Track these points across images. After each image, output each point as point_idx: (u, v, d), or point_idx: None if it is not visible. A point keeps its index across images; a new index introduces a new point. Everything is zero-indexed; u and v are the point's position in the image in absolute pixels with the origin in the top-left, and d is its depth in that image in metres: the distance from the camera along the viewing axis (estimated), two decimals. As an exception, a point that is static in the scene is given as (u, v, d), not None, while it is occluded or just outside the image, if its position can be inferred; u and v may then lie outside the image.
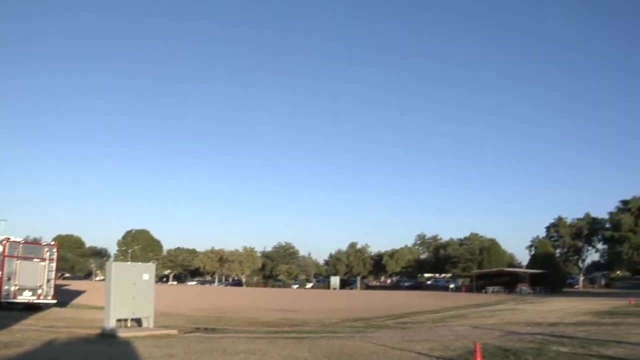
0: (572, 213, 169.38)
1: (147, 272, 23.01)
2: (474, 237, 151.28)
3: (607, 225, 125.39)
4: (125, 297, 21.50)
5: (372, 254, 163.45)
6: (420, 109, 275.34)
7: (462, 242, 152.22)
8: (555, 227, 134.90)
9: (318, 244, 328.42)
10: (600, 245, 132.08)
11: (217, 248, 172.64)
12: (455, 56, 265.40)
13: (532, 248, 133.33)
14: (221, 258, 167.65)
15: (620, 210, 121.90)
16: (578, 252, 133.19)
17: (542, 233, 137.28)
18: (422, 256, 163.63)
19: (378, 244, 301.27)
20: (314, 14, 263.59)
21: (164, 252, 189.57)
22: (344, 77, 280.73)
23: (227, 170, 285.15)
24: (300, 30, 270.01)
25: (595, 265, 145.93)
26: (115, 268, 22.29)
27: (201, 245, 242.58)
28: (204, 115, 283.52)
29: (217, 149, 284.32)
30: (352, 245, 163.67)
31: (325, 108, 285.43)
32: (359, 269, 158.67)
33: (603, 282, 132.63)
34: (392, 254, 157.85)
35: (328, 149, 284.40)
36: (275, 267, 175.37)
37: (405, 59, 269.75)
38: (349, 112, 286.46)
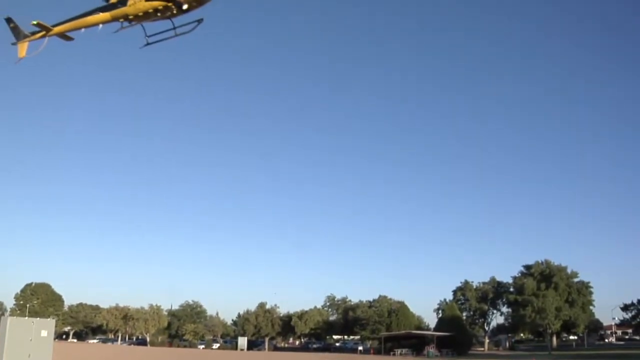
0: (478, 277, 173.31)
1: (45, 328, 21.67)
2: (383, 299, 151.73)
3: (511, 289, 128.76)
4: (20, 354, 20.03)
5: (281, 314, 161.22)
6: (328, 170, 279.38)
7: (371, 304, 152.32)
8: (462, 290, 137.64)
9: (226, 304, 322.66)
10: (504, 309, 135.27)
11: (121, 305, 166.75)
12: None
13: (440, 311, 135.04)
14: (126, 315, 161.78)
15: (524, 274, 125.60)
16: (484, 315, 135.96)
17: (450, 296, 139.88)
18: (332, 318, 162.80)
19: (287, 304, 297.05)
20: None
21: (65, 308, 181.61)
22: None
23: (133, 224, 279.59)
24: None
25: (500, 328, 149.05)
26: (11, 323, 20.86)
27: (105, 301, 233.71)
28: (105, 165, 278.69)
29: (123, 201, 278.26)
30: (261, 306, 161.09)
31: (234, 163, 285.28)
32: (268, 329, 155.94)
33: (507, 344, 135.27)
34: (301, 315, 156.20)
35: (239, 205, 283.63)
36: (182, 326, 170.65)
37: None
38: (258, 168, 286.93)
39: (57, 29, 44.72)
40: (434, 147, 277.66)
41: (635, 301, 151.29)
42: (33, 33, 45.60)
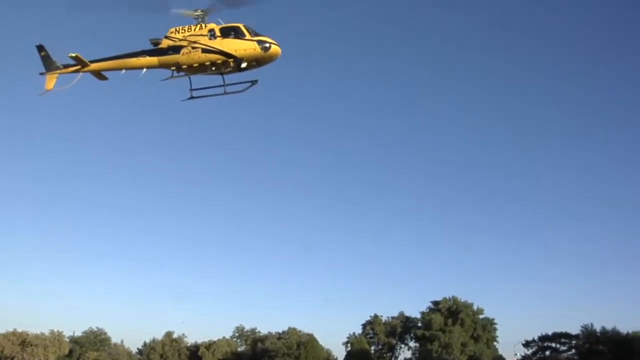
0: (388, 311, 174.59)
1: None
2: (292, 331, 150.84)
3: (419, 324, 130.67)
4: None
5: (189, 344, 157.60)
6: (237, 197, 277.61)
7: (280, 336, 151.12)
8: (371, 324, 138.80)
9: (133, 331, 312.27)
10: (412, 343, 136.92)
11: (19, 330, 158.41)
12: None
13: (349, 344, 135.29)
14: (23, 341, 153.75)
15: (431, 310, 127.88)
16: (392, 349, 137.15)
17: (359, 330, 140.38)
18: (240, 349, 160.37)
19: (196, 334, 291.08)
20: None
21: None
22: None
23: (37, 245, 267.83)
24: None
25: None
26: None
27: (1, 326, 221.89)
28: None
29: (25, 222, 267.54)
30: (169, 335, 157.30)
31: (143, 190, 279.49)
32: (174, 359, 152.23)
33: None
34: (209, 345, 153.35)
35: (146, 230, 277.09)
36: (84, 354, 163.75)
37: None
38: (171, 195, 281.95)
39: (95, 66, 40.97)
40: (346, 185, 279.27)
41: (536, 338, 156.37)
42: (66, 66, 41.64)
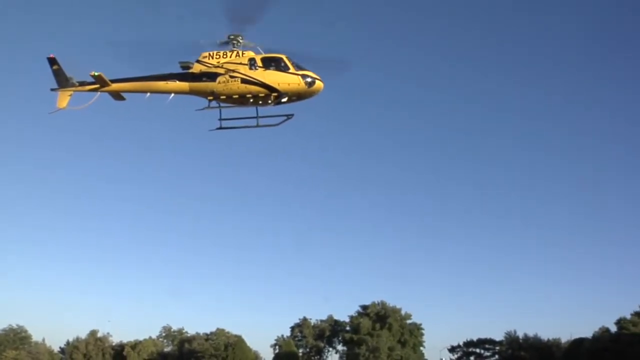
0: (317, 314, 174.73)
1: None
2: (220, 332, 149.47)
3: (348, 328, 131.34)
4: None
5: (114, 343, 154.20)
6: (168, 195, 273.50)
7: (208, 337, 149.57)
8: (300, 327, 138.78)
9: (55, 329, 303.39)
10: (340, 347, 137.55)
11: None
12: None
13: (277, 347, 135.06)
14: None
15: (360, 314, 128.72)
16: (320, 352, 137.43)
17: (287, 332, 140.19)
18: (167, 349, 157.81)
19: (121, 333, 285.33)
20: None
21: None
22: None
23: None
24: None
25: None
26: None
27: None
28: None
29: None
30: (93, 333, 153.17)
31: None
32: (98, 359, 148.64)
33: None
34: (135, 345, 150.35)
35: (73, 226, 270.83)
36: (2, 353, 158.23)
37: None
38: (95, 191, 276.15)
39: (116, 86, 37.92)
40: (276, 184, 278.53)
41: (461, 343, 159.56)
42: (82, 83, 38.25)
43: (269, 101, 35.35)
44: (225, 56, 36.41)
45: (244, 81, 35.25)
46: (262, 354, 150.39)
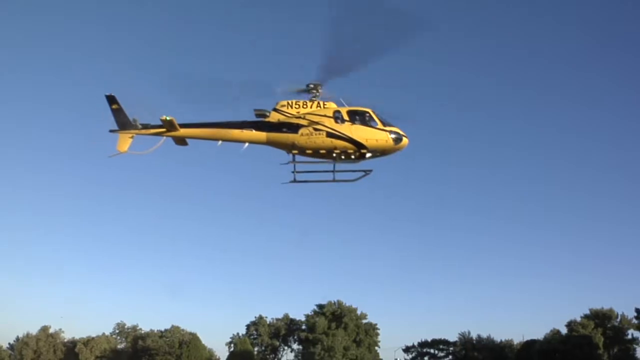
0: (272, 313, 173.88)
1: None
2: (175, 329, 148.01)
3: (303, 327, 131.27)
4: None
5: (66, 340, 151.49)
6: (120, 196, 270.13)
7: (162, 334, 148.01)
8: (256, 325, 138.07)
9: (4, 325, 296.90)
10: (295, 346, 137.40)
11: None
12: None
13: (232, 345, 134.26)
14: None
15: (316, 313, 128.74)
16: (275, 351, 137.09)
17: (243, 330, 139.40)
18: (120, 346, 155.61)
19: (74, 329, 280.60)
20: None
21: None
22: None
23: None
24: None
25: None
26: None
27: None
28: None
29: None
30: (44, 329, 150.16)
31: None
32: (49, 356, 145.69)
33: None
34: (88, 341, 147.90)
35: (30, 220, 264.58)
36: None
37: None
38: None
39: (185, 132, 35.22)
40: (232, 182, 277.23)
41: (416, 343, 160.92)
42: (145, 126, 35.53)
43: (352, 157, 33.53)
44: (305, 106, 34.22)
45: (329, 135, 33.15)
46: (217, 352, 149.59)
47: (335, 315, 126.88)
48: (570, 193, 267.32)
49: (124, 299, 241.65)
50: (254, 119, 34.52)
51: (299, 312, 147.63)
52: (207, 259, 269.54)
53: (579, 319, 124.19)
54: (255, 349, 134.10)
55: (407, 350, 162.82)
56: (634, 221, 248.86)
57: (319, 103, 34.19)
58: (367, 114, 33.44)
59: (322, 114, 33.50)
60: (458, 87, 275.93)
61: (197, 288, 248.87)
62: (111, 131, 35.41)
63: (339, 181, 34.16)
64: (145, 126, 35.25)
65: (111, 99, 34.92)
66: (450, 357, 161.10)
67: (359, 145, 32.69)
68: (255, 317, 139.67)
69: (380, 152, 33.34)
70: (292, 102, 34.23)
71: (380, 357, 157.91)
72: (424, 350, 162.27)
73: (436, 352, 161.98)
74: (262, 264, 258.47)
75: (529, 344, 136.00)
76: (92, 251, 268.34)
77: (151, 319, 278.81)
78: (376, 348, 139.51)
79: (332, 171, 33.96)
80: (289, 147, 33.77)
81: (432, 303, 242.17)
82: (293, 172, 33.99)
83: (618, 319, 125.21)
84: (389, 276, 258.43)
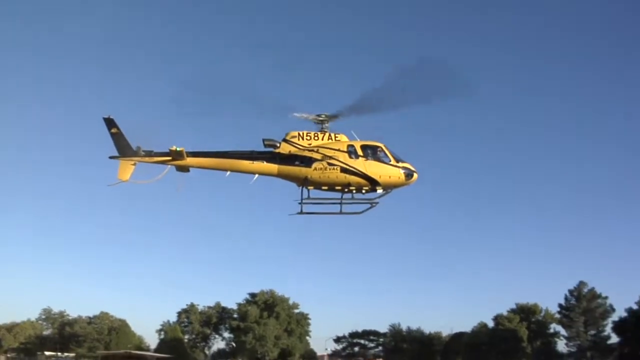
0: (204, 301, 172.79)
1: None
2: (104, 315, 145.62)
3: (235, 316, 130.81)
4: None
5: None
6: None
7: (90, 321, 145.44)
8: (187, 313, 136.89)
9: None
10: (227, 334, 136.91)
11: None
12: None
13: (162, 332, 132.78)
14: None
15: (248, 302, 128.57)
16: (206, 339, 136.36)
17: (174, 318, 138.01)
18: (46, 332, 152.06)
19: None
20: None
21: None
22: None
23: None
24: None
25: (220, 353, 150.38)
26: None
27: None
28: None
29: None
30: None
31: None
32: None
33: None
34: (11, 327, 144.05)
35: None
36: None
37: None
38: None
39: (192, 161, 33.28)
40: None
41: (347, 334, 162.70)
42: (149, 153, 33.27)
43: (363, 190, 32.61)
44: (317, 138, 33.03)
45: (343, 170, 32.02)
46: (147, 339, 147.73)
47: (267, 305, 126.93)
48: (499, 189, 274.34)
49: (51, 284, 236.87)
50: (263, 149, 33.24)
51: (231, 300, 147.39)
52: (138, 246, 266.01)
53: (505, 313, 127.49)
54: (186, 336, 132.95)
55: (337, 340, 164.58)
56: (559, 221, 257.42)
57: (330, 135, 33.27)
58: (380, 149, 32.84)
59: (336, 147, 32.59)
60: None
61: (128, 275, 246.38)
62: (111, 157, 33.32)
63: (345, 213, 33.17)
64: (149, 153, 33.22)
65: (109, 122, 32.78)
66: (380, 347, 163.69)
67: (372, 182, 32.01)
68: (187, 305, 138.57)
69: (391, 188, 32.80)
70: (303, 134, 33.09)
71: (311, 346, 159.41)
72: (355, 340, 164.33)
73: (366, 342, 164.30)
74: (195, 252, 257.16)
75: (457, 337, 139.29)
76: (19, 235, 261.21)
77: (80, 305, 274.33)
78: (307, 338, 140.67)
79: (340, 203, 32.89)
80: (301, 181, 32.55)
81: (364, 296, 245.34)
82: (300, 203, 32.71)
83: (542, 314, 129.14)
84: (322, 267, 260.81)
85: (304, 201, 32.70)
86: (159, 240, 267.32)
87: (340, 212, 32.84)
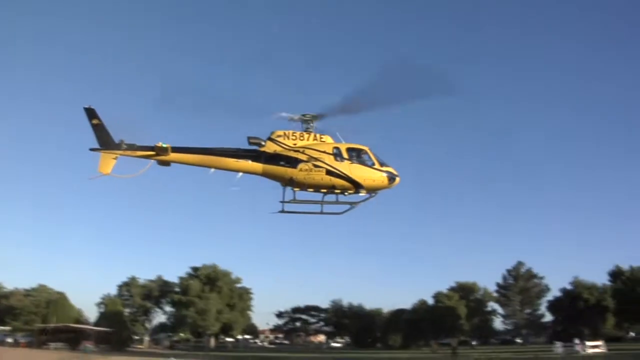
0: (146, 274, 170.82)
1: None
2: (42, 288, 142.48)
3: (177, 289, 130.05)
4: None
5: None
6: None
7: (28, 293, 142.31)
8: (128, 286, 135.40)
9: None
10: (168, 308, 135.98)
11: None
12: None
13: (102, 305, 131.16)
14: None
15: (190, 276, 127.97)
16: (147, 313, 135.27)
17: (114, 291, 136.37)
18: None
19: None
20: None
21: None
22: None
23: None
24: None
25: (162, 327, 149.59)
26: None
27: None
28: None
29: None
30: None
31: None
32: None
33: (167, 343, 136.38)
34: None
35: None
36: None
37: None
38: None
39: (176, 157, 32.59)
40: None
41: (288, 309, 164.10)
42: (131, 146, 32.08)
43: (346, 193, 32.52)
44: (302, 138, 32.63)
45: (329, 173, 31.83)
46: (86, 313, 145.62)
47: (209, 279, 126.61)
48: (441, 166, 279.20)
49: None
50: (248, 147, 32.71)
51: (174, 274, 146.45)
52: (79, 218, 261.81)
53: (445, 291, 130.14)
54: (127, 310, 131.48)
55: (279, 315, 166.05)
56: (502, 204, 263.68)
57: (315, 136, 32.88)
58: (365, 153, 32.69)
59: (322, 149, 32.25)
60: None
61: (68, 247, 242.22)
62: (92, 149, 31.87)
63: (326, 213, 32.78)
64: (131, 147, 32.02)
65: (90, 113, 31.41)
66: (322, 323, 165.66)
67: (356, 185, 31.90)
68: (128, 278, 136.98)
69: (374, 191, 32.60)
70: (288, 133, 32.61)
71: (253, 321, 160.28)
72: (296, 315, 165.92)
73: (308, 318, 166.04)
74: (137, 225, 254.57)
75: (398, 313, 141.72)
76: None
77: (17, 278, 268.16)
78: (249, 312, 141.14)
79: (321, 203, 32.49)
80: (285, 181, 32.22)
81: (307, 272, 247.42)
82: (282, 202, 32.31)
83: (481, 292, 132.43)
84: (265, 243, 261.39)
85: (285, 201, 32.35)
86: (99, 214, 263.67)
87: (321, 212, 32.68)
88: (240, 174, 32.52)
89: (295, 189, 32.11)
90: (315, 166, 31.53)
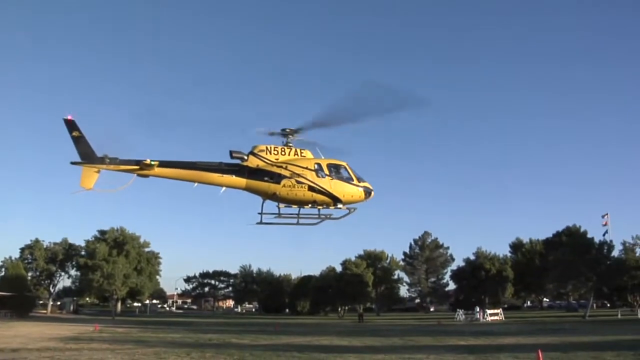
0: (50, 237, 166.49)
1: None
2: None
3: (83, 253, 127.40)
4: None
5: None
6: None
7: None
8: (31, 249, 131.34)
9: None
10: (73, 272, 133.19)
11: None
12: None
13: (3, 269, 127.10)
14: None
15: (97, 239, 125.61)
16: (51, 276, 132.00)
17: (16, 254, 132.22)
18: None
19: None
20: None
21: None
22: None
23: None
24: None
25: (66, 291, 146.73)
26: None
27: None
28: None
29: None
30: None
31: None
32: None
33: (72, 308, 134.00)
34: None
35: None
36: None
37: None
38: None
39: (160, 171, 31.32)
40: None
41: (197, 274, 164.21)
42: (114, 160, 30.35)
43: (326, 206, 32.73)
44: (283, 153, 32.62)
45: (311, 189, 32.00)
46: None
47: (117, 242, 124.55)
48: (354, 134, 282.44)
49: None
50: (230, 161, 32.15)
51: (80, 237, 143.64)
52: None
53: (353, 259, 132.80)
54: (30, 273, 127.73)
55: (188, 280, 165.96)
56: (408, 178, 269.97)
57: (296, 151, 32.91)
58: (343, 168, 32.97)
59: (304, 165, 32.29)
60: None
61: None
62: (73, 163, 30.10)
63: (302, 224, 33.01)
64: (114, 160, 30.56)
65: (70, 124, 29.58)
66: (231, 288, 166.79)
67: (335, 200, 32.15)
68: (31, 241, 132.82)
69: (352, 205, 32.90)
70: (270, 148, 32.44)
71: (161, 286, 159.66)
72: (205, 281, 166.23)
73: (217, 283, 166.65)
74: (42, 185, 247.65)
75: (306, 279, 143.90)
76: None
77: None
78: (157, 277, 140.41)
79: (297, 216, 32.65)
80: (268, 196, 32.11)
81: (216, 238, 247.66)
82: (260, 213, 32.28)
83: (388, 261, 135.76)
84: (174, 207, 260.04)
85: (263, 212, 32.37)
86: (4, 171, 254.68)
87: (297, 224, 32.93)
88: (224, 188, 32.29)
89: (281, 206, 32.24)
90: (298, 182, 31.75)
